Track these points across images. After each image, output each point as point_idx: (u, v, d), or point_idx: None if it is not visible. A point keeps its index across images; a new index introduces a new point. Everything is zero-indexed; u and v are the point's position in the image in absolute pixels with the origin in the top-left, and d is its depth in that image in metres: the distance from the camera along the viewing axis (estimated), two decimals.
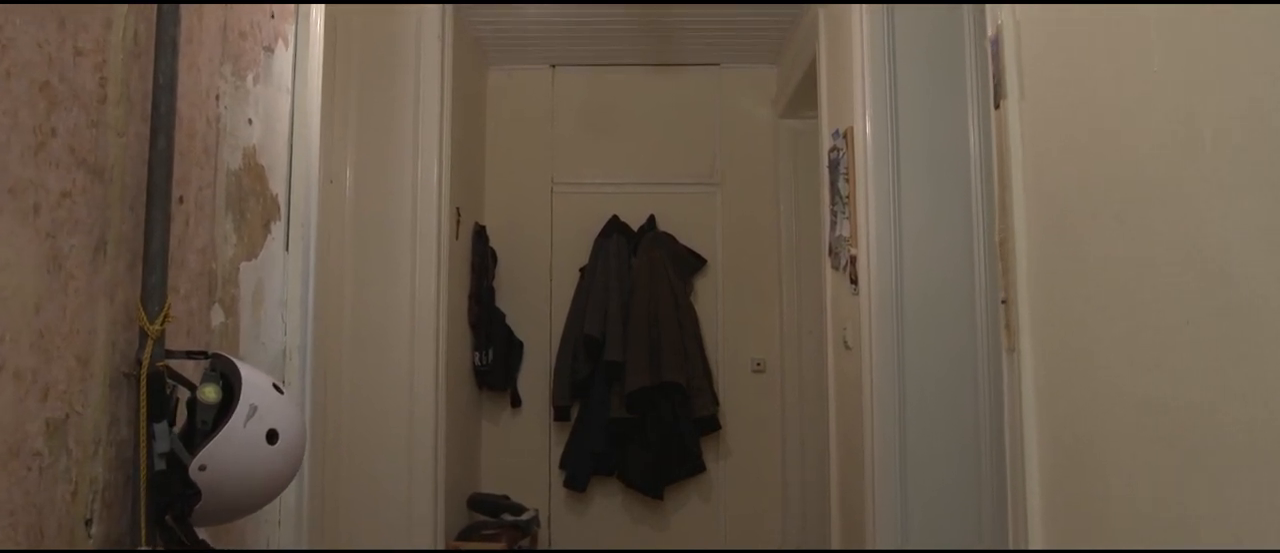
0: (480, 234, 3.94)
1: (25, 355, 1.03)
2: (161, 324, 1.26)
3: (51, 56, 1.07)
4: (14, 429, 1.01)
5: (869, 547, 2.45)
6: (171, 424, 1.25)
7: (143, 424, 1.22)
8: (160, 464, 1.22)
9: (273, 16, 1.78)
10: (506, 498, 3.82)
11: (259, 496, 1.32)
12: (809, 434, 3.94)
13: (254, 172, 1.70)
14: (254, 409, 1.25)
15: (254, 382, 1.28)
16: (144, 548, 1.21)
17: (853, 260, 2.59)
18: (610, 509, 4.13)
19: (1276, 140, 0.84)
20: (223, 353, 1.33)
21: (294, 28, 1.88)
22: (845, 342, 2.72)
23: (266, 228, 1.76)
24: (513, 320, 4.12)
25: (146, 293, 1.26)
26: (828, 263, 2.92)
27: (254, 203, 1.70)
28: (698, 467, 3.99)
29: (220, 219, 1.56)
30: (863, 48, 2.49)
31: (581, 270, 4.15)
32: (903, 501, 2.39)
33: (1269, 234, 0.85)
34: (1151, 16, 1.05)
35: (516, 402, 4.14)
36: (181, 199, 1.40)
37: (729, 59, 4.22)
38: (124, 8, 1.23)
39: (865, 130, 2.49)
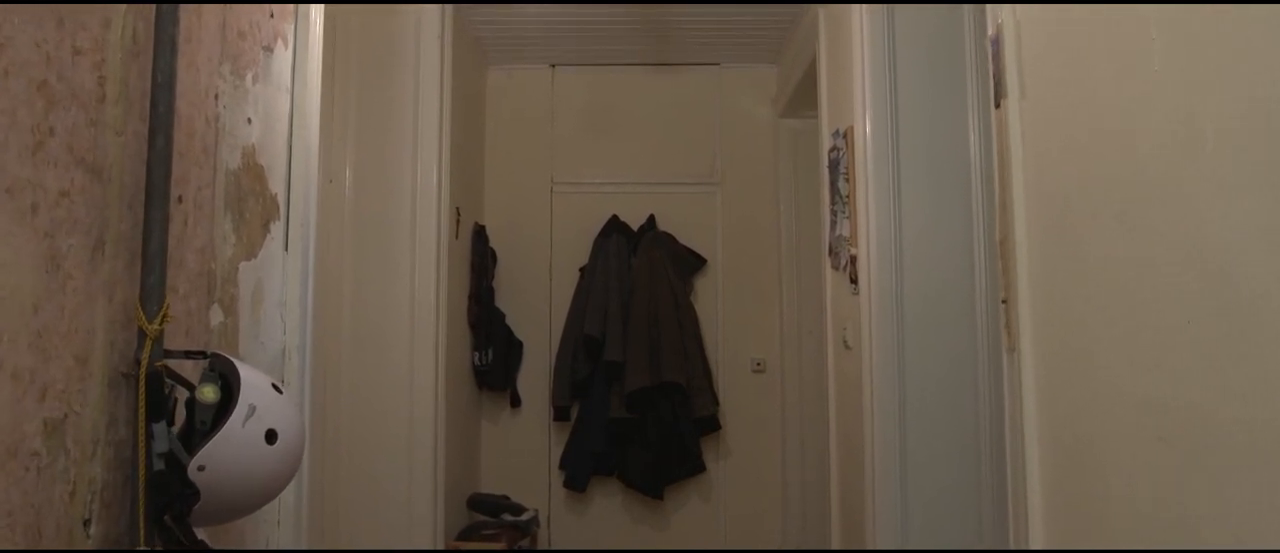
0: (480, 234, 3.93)
1: (23, 355, 1.02)
2: (160, 324, 1.26)
3: (50, 55, 1.07)
4: (12, 429, 1.01)
5: (869, 547, 2.45)
6: (170, 424, 1.25)
7: (141, 424, 1.22)
8: (159, 464, 1.22)
9: (272, 16, 1.78)
10: (506, 498, 3.82)
11: (258, 496, 1.32)
12: (809, 434, 3.94)
13: (253, 171, 1.70)
14: (253, 409, 1.25)
15: (253, 382, 1.28)
16: (143, 548, 1.21)
17: (853, 260, 2.59)
18: (610, 509, 4.13)
19: (1277, 140, 0.83)
20: (222, 353, 1.33)
21: (293, 27, 1.88)
22: (845, 342, 2.72)
23: (265, 228, 1.76)
24: (512, 320, 4.11)
25: (145, 293, 1.25)
26: (828, 263, 2.92)
27: (253, 202, 1.70)
28: (698, 467, 3.98)
29: (219, 219, 1.56)
30: (863, 47, 2.49)
31: (581, 270, 4.15)
32: (903, 500, 2.39)
33: (1270, 234, 0.85)
34: (1152, 16, 1.04)
35: (516, 402, 4.14)
36: (180, 199, 1.40)
37: (729, 59, 4.22)
38: (123, 7, 1.23)
39: (865, 130, 2.49)
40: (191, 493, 1.21)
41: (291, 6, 1.87)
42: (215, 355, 1.31)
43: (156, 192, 1.27)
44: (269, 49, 1.77)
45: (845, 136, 2.66)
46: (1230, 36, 0.91)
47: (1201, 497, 0.97)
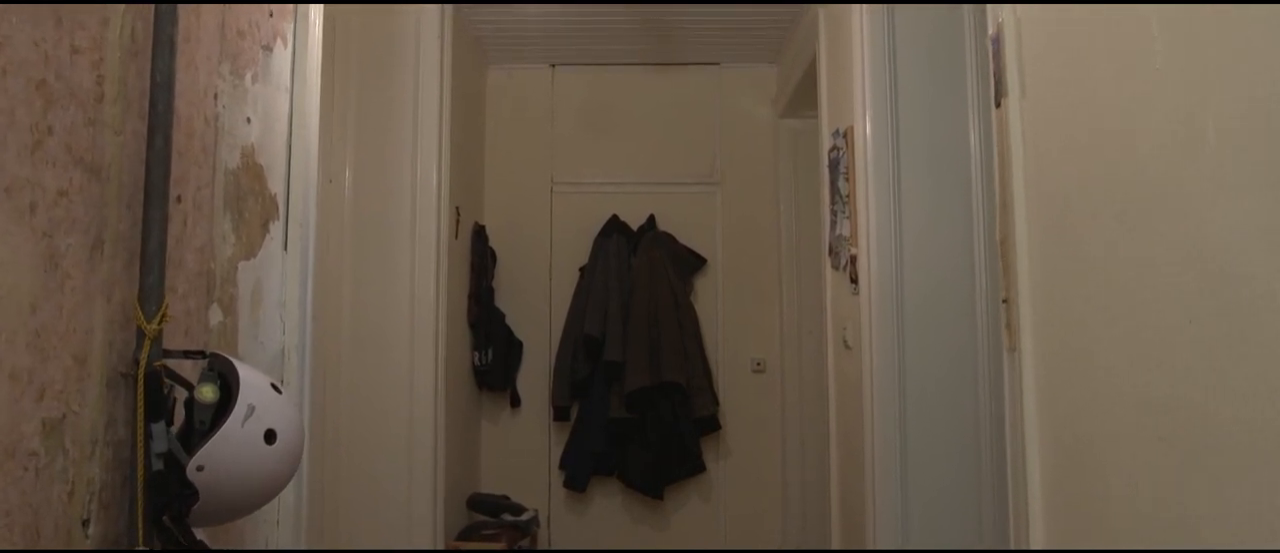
0: (480, 234, 3.93)
1: (21, 355, 1.02)
2: (159, 324, 1.25)
3: (48, 54, 1.07)
4: (10, 429, 1.01)
5: (869, 547, 2.45)
6: (169, 424, 1.25)
7: (140, 424, 1.21)
8: (158, 464, 1.22)
9: (271, 15, 1.78)
10: (506, 498, 3.82)
11: (257, 496, 1.32)
12: (809, 434, 3.94)
13: (252, 171, 1.69)
14: (252, 409, 1.25)
15: (252, 382, 1.28)
16: (141, 549, 1.21)
17: (853, 260, 2.58)
18: (610, 509, 4.13)
19: (1278, 140, 0.83)
20: (221, 353, 1.33)
21: (292, 27, 1.88)
22: (845, 341, 2.72)
23: (265, 227, 1.76)
24: (512, 320, 4.11)
25: (144, 292, 1.25)
26: (828, 262, 2.92)
27: (252, 202, 1.70)
28: (698, 467, 3.98)
29: (218, 218, 1.55)
30: (863, 47, 2.49)
31: (581, 270, 4.15)
32: (903, 500, 2.38)
33: (1270, 234, 0.84)
34: (1153, 15, 1.04)
35: (516, 402, 4.14)
36: (179, 198, 1.40)
37: (729, 58, 4.22)
38: (121, 6, 1.23)
39: (865, 130, 2.49)
40: (190, 493, 1.21)
41: (291, 6, 1.87)
42: (214, 355, 1.31)
43: (155, 191, 1.26)
44: (268, 48, 1.77)
45: (845, 136, 2.65)
46: (1232, 36, 0.91)
47: (1202, 497, 0.96)
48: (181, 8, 1.33)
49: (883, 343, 2.41)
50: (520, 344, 4.14)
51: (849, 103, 2.61)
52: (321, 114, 1.99)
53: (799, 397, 4.07)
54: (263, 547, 1.76)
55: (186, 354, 1.34)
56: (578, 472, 4.01)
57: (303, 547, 1.87)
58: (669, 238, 4.14)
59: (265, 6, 1.75)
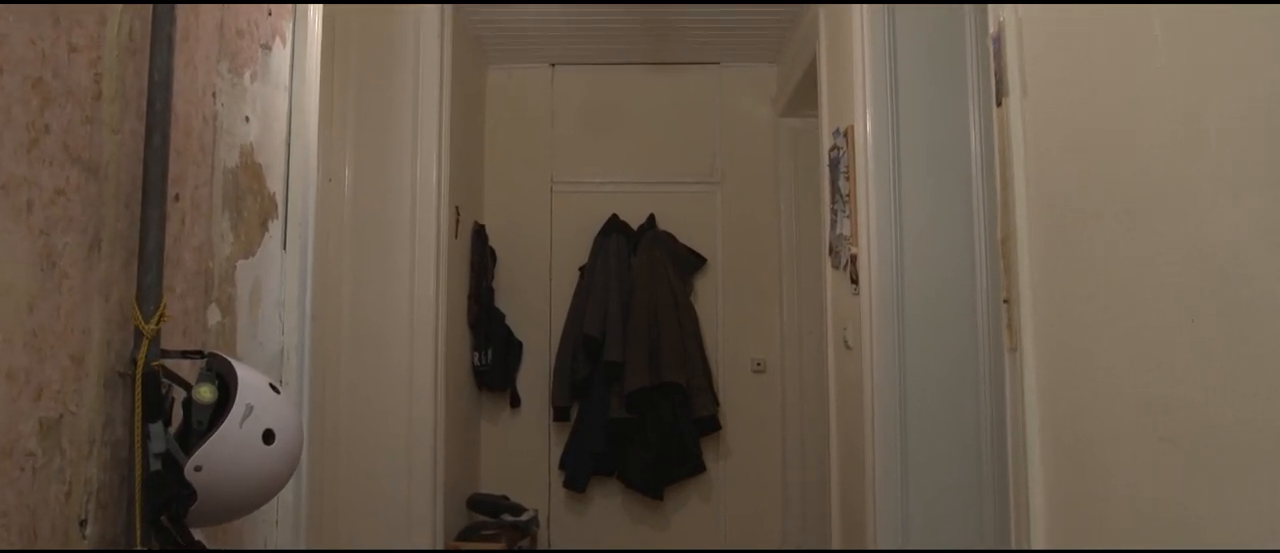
0: (479, 233, 3.93)
1: (18, 354, 1.02)
2: (157, 323, 1.25)
3: (45, 53, 1.06)
4: (7, 429, 1.00)
5: (870, 547, 2.45)
6: (167, 424, 1.24)
7: (138, 424, 1.21)
8: (155, 464, 1.21)
9: (270, 14, 1.77)
10: (506, 498, 3.82)
11: (255, 496, 1.31)
12: (809, 434, 3.93)
13: (251, 170, 1.69)
14: (250, 409, 1.24)
15: (250, 381, 1.27)
16: (139, 549, 1.20)
17: (853, 260, 2.58)
18: (610, 509, 4.12)
19: None
20: (219, 352, 1.32)
21: (291, 26, 1.87)
22: (846, 341, 2.71)
23: (264, 227, 1.75)
24: (512, 320, 4.11)
25: (142, 292, 1.25)
26: (828, 262, 2.91)
27: (251, 201, 1.69)
28: (698, 467, 3.98)
29: (217, 218, 1.55)
30: (863, 47, 2.48)
31: (581, 270, 4.14)
32: (904, 500, 2.38)
33: (1272, 233, 0.84)
34: (1155, 14, 1.04)
35: (516, 402, 4.13)
36: (177, 197, 1.39)
37: (729, 58, 4.21)
38: (119, 5, 1.22)
39: (866, 129, 2.48)
40: (188, 493, 1.21)
41: (289, 5, 1.87)
42: (212, 355, 1.31)
43: (153, 190, 1.26)
44: (267, 47, 1.76)
45: (846, 136, 2.65)
46: (1235, 35, 0.90)
47: (1203, 497, 0.96)
48: (180, 6, 1.33)
49: (883, 343, 2.40)
50: (520, 344, 4.14)
51: (849, 102, 2.60)
52: (321, 113, 1.99)
53: (799, 397, 4.06)
54: (261, 547, 1.76)
55: (185, 354, 1.33)
56: (578, 472, 4.01)
57: (302, 547, 1.87)
58: (669, 238, 4.13)
59: (264, 5, 1.75)
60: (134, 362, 1.22)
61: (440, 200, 3.14)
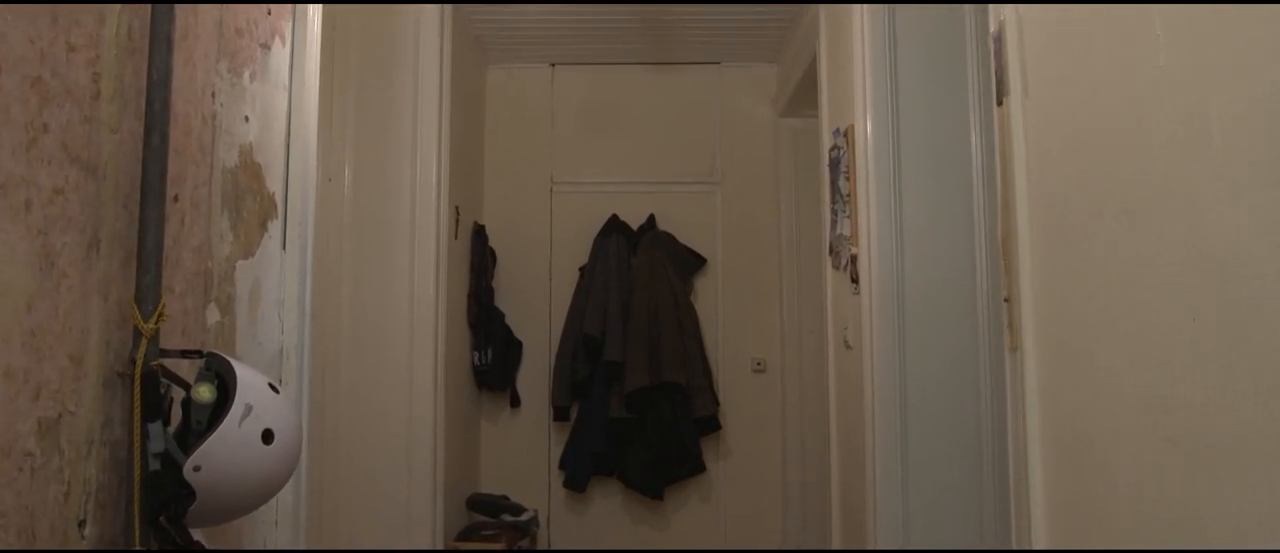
0: (479, 233, 3.93)
1: (16, 354, 1.02)
2: (156, 323, 1.25)
3: (43, 52, 1.06)
4: (5, 429, 1.00)
5: (870, 547, 2.44)
6: (166, 424, 1.24)
7: (137, 424, 1.21)
8: (154, 465, 1.21)
9: (269, 14, 1.77)
10: (506, 498, 3.81)
11: (254, 496, 1.31)
12: (809, 434, 3.93)
13: (250, 169, 1.69)
14: (249, 409, 1.24)
15: (249, 381, 1.27)
16: (138, 549, 1.20)
17: (853, 259, 2.58)
18: (610, 509, 4.12)
19: None
20: (218, 352, 1.32)
21: (291, 25, 1.87)
22: (846, 341, 2.71)
23: (263, 226, 1.75)
24: (512, 320, 4.11)
25: (141, 291, 1.25)
26: (828, 262, 2.91)
27: (250, 201, 1.69)
28: (698, 467, 3.97)
29: (216, 217, 1.55)
30: (863, 46, 2.48)
31: (581, 270, 4.14)
32: (904, 500, 2.38)
33: (1273, 233, 0.84)
34: (1156, 13, 1.04)
35: (516, 402, 4.13)
36: (176, 197, 1.39)
37: (729, 58, 4.21)
38: (118, 4, 1.22)
39: (866, 129, 2.48)
40: (187, 493, 1.20)
41: (289, 5, 1.86)
42: (211, 355, 1.31)
43: (152, 190, 1.26)
44: (266, 47, 1.76)
45: (846, 135, 2.65)
46: (1237, 33, 0.90)
47: (1204, 497, 0.96)
48: (179, 6, 1.33)
49: (883, 342, 2.40)
50: (520, 344, 4.13)
51: (850, 102, 2.60)
52: (320, 113, 1.99)
53: (799, 397, 4.06)
54: (261, 547, 1.76)
55: (184, 354, 1.33)
56: (577, 472, 4.01)
57: (301, 547, 1.86)
58: (669, 238, 4.13)
59: (263, 5, 1.74)
60: (133, 362, 1.22)
61: (440, 200, 3.14)
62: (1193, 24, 0.97)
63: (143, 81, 1.28)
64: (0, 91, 0.98)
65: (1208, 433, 0.95)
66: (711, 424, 3.98)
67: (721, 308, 4.18)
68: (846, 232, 2.65)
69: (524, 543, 3.61)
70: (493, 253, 4.07)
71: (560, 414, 4.03)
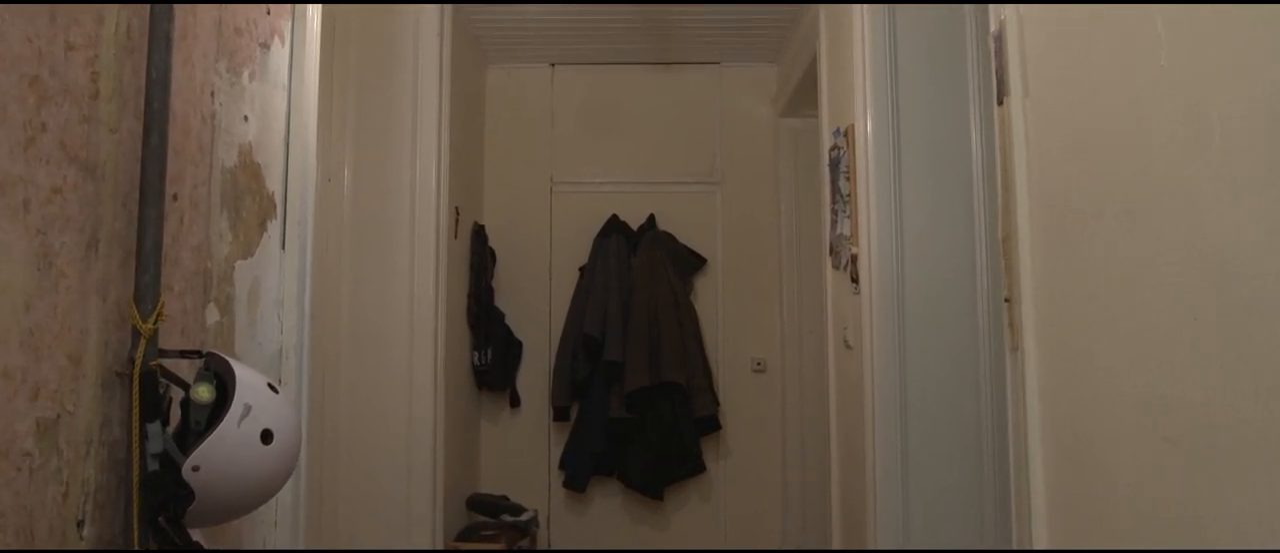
0: (479, 233, 3.92)
1: (15, 354, 1.01)
2: (155, 323, 1.24)
3: (42, 51, 1.06)
4: (4, 429, 1.00)
5: (870, 547, 2.44)
6: (165, 424, 1.24)
7: (135, 424, 1.20)
8: (153, 465, 1.21)
9: (268, 13, 1.77)
10: (505, 498, 3.81)
11: (253, 496, 1.31)
12: (809, 434, 3.93)
13: (250, 169, 1.69)
14: (248, 409, 1.24)
15: (248, 381, 1.27)
16: (137, 550, 1.20)
17: (854, 259, 2.58)
18: (610, 509, 4.12)
19: None
20: (217, 352, 1.32)
21: (290, 25, 1.87)
22: (846, 341, 2.71)
23: (262, 226, 1.75)
24: (512, 320, 4.10)
25: (139, 291, 1.24)
26: (828, 262, 2.91)
27: (250, 201, 1.69)
28: (698, 467, 3.97)
29: (215, 217, 1.55)
30: (864, 46, 2.48)
31: (581, 270, 4.14)
32: (904, 500, 2.37)
33: (1274, 232, 0.84)
34: (1157, 13, 1.03)
35: (516, 402, 4.13)
36: (175, 196, 1.39)
37: (729, 58, 4.21)
38: (116, 4, 1.22)
39: (866, 129, 2.48)
40: (186, 494, 1.20)
41: (288, 4, 1.86)
42: (210, 355, 1.30)
43: (151, 189, 1.26)
44: (266, 46, 1.76)
45: (846, 135, 2.65)
46: (1239, 32, 0.90)
47: (1205, 497, 0.95)
48: (178, 5, 1.32)
49: (884, 342, 2.40)
50: (520, 344, 4.13)
51: (850, 102, 2.60)
52: (320, 113, 1.98)
53: (799, 397, 4.06)
54: (260, 547, 1.75)
55: (182, 354, 1.33)
56: (577, 472, 4.00)
57: (300, 547, 1.86)
58: (669, 238, 4.13)
59: (262, 4, 1.74)
60: (131, 362, 1.22)
61: (440, 200, 3.14)
62: (1193, 24, 0.97)
63: (141, 81, 1.27)
64: None
65: (1208, 433, 0.95)
66: (711, 424, 3.98)
67: (721, 308, 4.18)
68: (846, 232, 2.65)
69: (524, 543, 3.61)
70: (493, 253, 4.07)
71: (560, 414, 4.03)
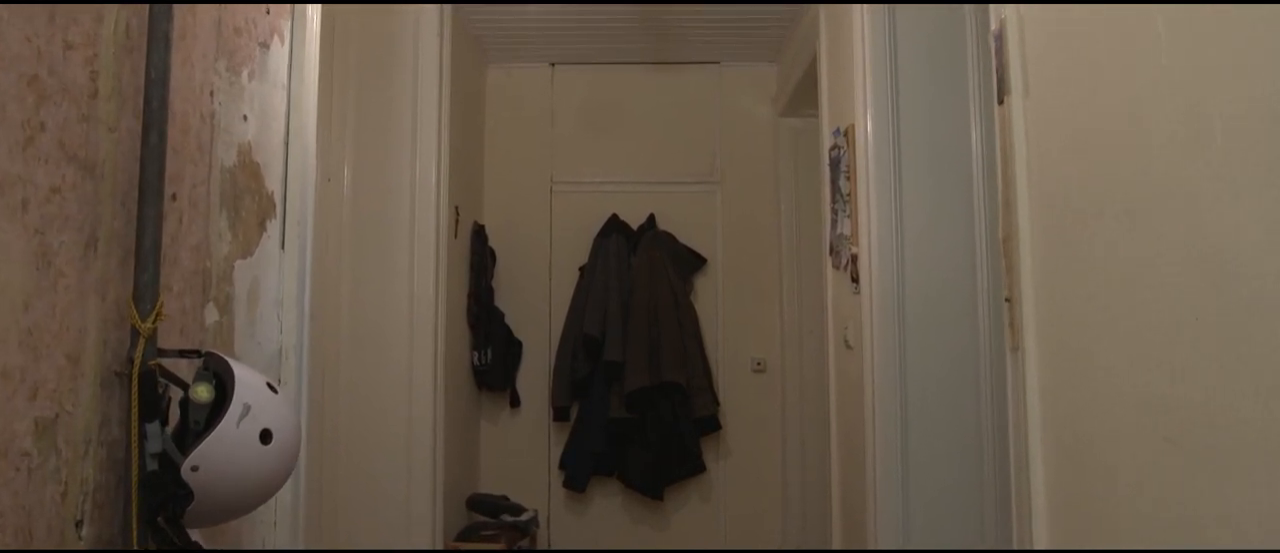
0: (479, 233, 3.92)
1: (13, 354, 1.01)
2: (154, 322, 1.24)
3: (40, 50, 1.06)
4: (2, 429, 1.00)
5: (870, 547, 2.44)
6: (164, 424, 1.24)
7: (134, 424, 1.20)
8: (152, 465, 1.21)
9: (268, 13, 1.77)
10: (505, 498, 3.81)
11: (252, 496, 1.31)
12: (809, 434, 3.92)
13: (249, 169, 1.68)
14: (247, 409, 1.24)
15: (247, 381, 1.27)
16: (136, 550, 1.20)
17: (854, 259, 2.57)
18: (610, 509, 4.12)
19: None
20: (216, 352, 1.32)
21: (290, 25, 1.87)
22: (846, 341, 2.71)
23: (262, 226, 1.75)
24: (512, 320, 4.10)
25: (138, 291, 1.24)
26: (829, 262, 2.91)
27: (249, 200, 1.69)
28: (698, 467, 3.97)
29: (214, 216, 1.54)
30: (864, 46, 2.48)
31: (581, 270, 4.14)
32: (904, 500, 2.37)
33: (1273, 233, 0.83)
34: (1157, 13, 1.03)
35: (515, 401, 4.13)
36: (175, 196, 1.39)
37: (729, 57, 4.21)
38: (116, 3, 1.22)
39: (866, 128, 2.48)
40: (185, 494, 1.20)
41: (288, 4, 1.86)
42: (209, 354, 1.30)
43: (150, 188, 1.26)
44: (265, 46, 1.76)
45: (846, 135, 2.64)
46: (1236, 34, 0.90)
47: (1205, 496, 0.95)
48: (177, 4, 1.32)
49: (884, 342, 2.40)
50: (520, 344, 4.13)
51: (850, 101, 2.60)
52: (319, 112, 1.98)
53: (799, 397, 4.06)
54: (260, 547, 1.75)
55: (182, 353, 1.33)
56: (577, 472, 4.00)
57: (300, 547, 1.86)
58: (669, 237, 4.13)
59: (262, 4, 1.74)
60: (130, 361, 1.22)
61: (440, 200, 3.13)
62: (1193, 24, 0.97)
63: (141, 80, 1.27)
64: None
65: (1208, 433, 0.95)
66: (711, 424, 3.98)
67: (721, 308, 4.18)
68: (847, 231, 2.65)
69: (524, 543, 3.61)
70: (493, 253, 4.07)
71: (560, 414, 4.03)
